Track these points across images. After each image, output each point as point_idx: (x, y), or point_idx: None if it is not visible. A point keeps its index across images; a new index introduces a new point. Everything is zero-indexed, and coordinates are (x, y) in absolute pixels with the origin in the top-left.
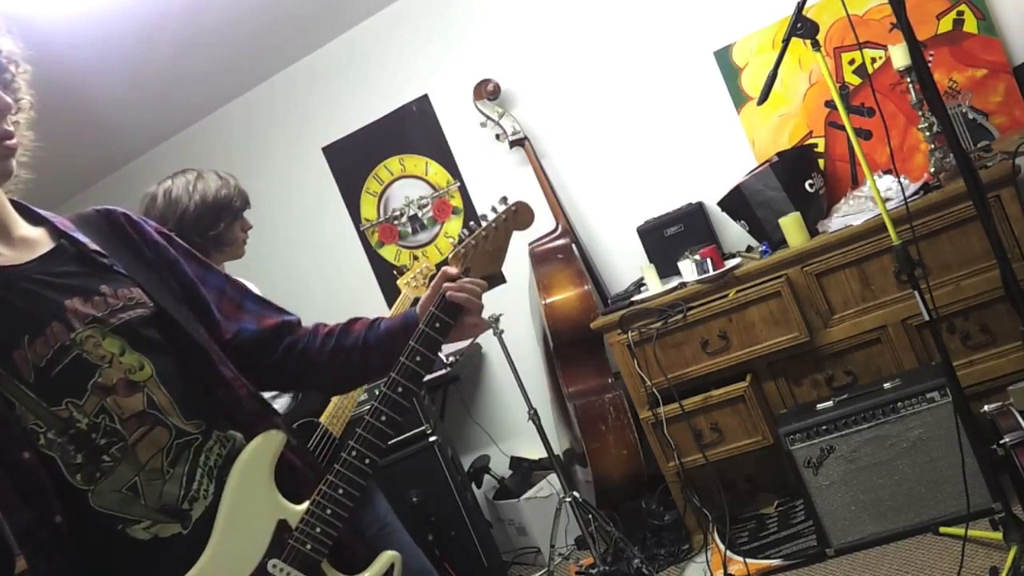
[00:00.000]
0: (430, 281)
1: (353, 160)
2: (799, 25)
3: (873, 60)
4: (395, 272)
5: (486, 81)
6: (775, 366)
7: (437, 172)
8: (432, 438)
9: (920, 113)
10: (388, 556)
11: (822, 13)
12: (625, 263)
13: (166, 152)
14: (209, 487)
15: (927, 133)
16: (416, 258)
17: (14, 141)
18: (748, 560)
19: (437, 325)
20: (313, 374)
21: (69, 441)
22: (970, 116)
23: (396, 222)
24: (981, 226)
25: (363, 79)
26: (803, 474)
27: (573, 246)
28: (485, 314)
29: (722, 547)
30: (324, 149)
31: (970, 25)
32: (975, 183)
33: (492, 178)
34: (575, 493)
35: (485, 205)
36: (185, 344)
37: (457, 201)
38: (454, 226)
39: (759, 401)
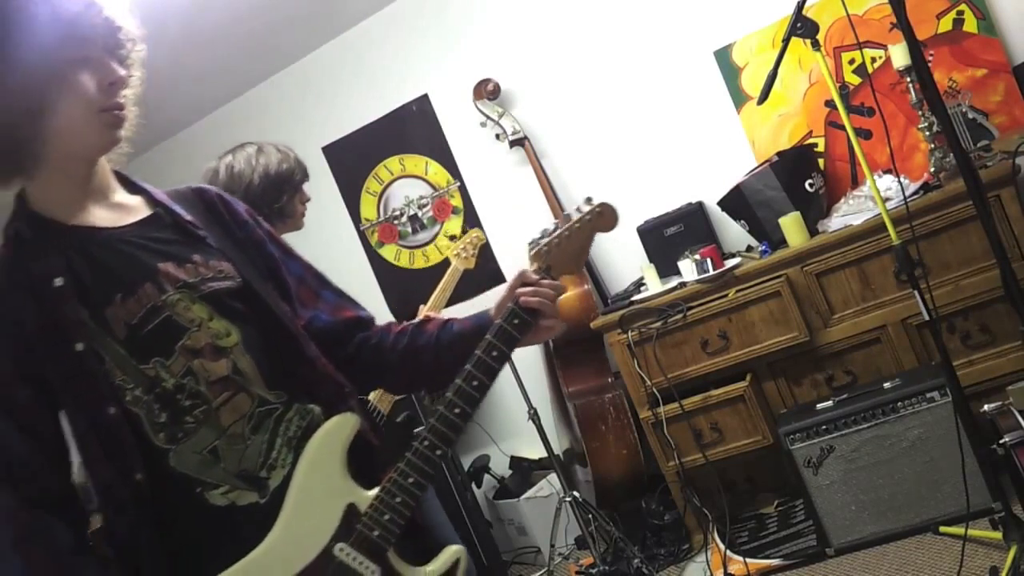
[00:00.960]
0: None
1: (353, 160)
2: (799, 25)
3: (873, 60)
4: (449, 239)
5: (486, 81)
6: (775, 366)
7: (437, 172)
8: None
9: (920, 113)
10: (454, 550)
11: (822, 13)
12: (625, 263)
13: (166, 151)
14: (288, 457)
15: (927, 133)
16: (453, 237)
17: (125, 112)
18: (748, 560)
19: (516, 322)
20: (384, 372)
21: (155, 400)
22: (970, 116)
23: (396, 222)
24: (981, 226)
25: (363, 79)
26: (803, 474)
27: None
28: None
29: (722, 547)
30: (324, 149)
31: (970, 25)
32: (975, 183)
33: (492, 178)
34: (575, 493)
35: (485, 205)
36: (269, 319)
37: (457, 201)
38: (454, 225)
39: (759, 401)
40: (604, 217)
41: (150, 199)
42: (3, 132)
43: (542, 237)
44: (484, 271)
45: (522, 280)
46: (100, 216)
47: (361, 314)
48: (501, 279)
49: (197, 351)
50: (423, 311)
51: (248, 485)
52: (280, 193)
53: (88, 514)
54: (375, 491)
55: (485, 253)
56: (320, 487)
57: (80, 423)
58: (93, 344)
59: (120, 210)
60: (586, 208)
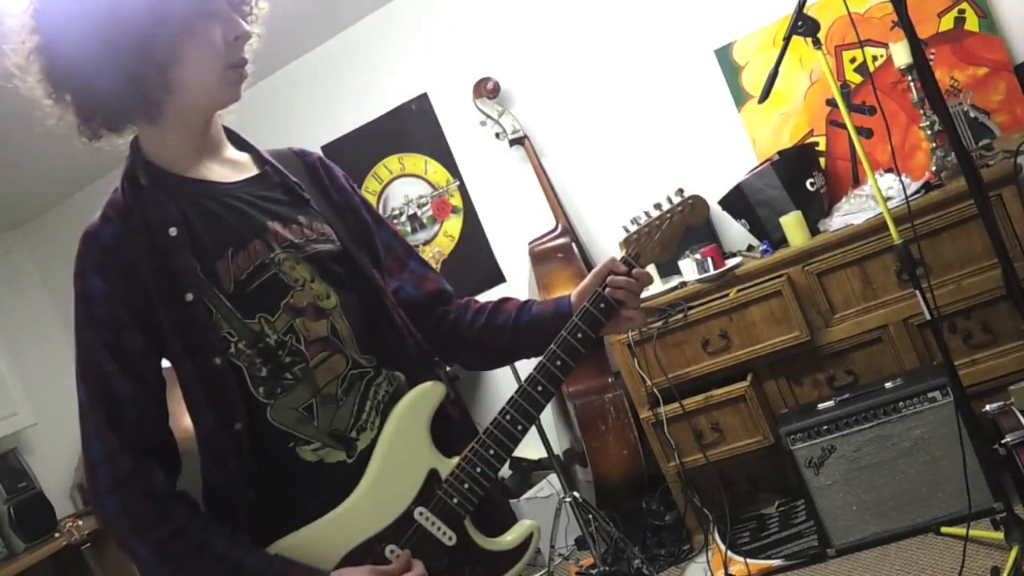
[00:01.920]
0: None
1: (352, 158)
2: (800, 23)
3: (874, 58)
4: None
5: (485, 80)
6: (776, 366)
7: (436, 171)
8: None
9: (921, 111)
10: (528, 524)
11: (823, 11)
12: None
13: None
14: (376, 419)
15: (928, 132)
16: None
17: (248, 69)
18: (749, 560)
19: (602, 306)
20: (461, 348)
21: (258, 354)
22: (971, 114)
23: (395, 221)
24: (983, 225)
25: (362, 78)
26: (804, 474)
27: (573, 245)
28: None
29: (723, 547)
30: (323, 147)
31: (971, 23)
32: (976, 182)
33: (492, 177)
34: (575, 493)
35: (485, 204)
36: (364, 284)
37: (456, 200)
38: (454, 225)
39: (760, 401)
40: (696, 208)
41: (258, 157)
42: (131, 79)
43: (635, 224)
44: (484, 271)
45: (610, 268)
46: (213, 170)
47: (444, 287)
48: (501, 279)
49: (300, 310)
50: None
51: (338, 444)
52: None
53: (180, 466)
54: (456, 459)
55: (485, 252)
56: (405, 451)
57: (187, 370)
58: (202, 295)
59: (231, 166)
60: (677, 200)
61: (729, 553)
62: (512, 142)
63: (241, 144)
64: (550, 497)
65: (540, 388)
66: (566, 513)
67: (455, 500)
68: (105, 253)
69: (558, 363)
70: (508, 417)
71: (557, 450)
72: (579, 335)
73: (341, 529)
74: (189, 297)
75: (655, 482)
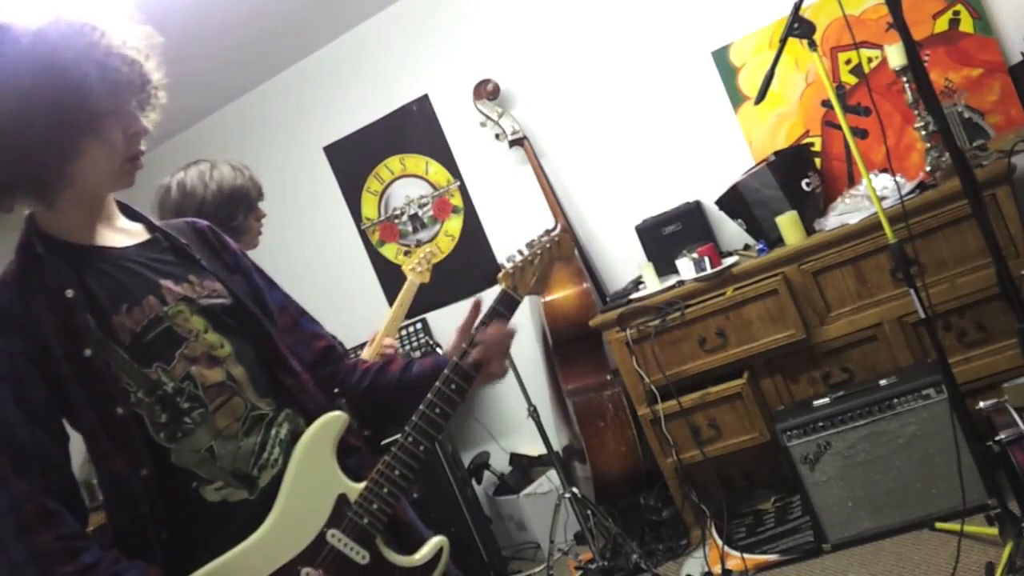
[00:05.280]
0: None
1: (354, 159)
2: (796, 25)
3: (869, 60)
4: (403, 255)
5: (486, 81)
6: (772, 363)
7: (437, 171)
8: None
9: (916, 112)
10: (437, 540)
11: (819, 13)
12: (623, 261)
13: (168, 153)
14: (279, 457)
15: (923, 132)
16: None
17: (142, 160)
18: (745, 555)
19: (453, 386)
20: (349, 406)
21: (156, 401)
22: (966, 115)
23: (397, 221)
24: (977, 224)
25: (364, 79)
26: (800, 470)
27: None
28: (484, 308)
29: (720, 542)
30: (325, 149)
31: (966, 25)
32: (971, 182)
33: (492, 177)
34: (574, 489)
35: (485, 204)
36: (259, 335)
37: (457, 200)
38: (454, 225)
39: (756, 398)
40: (562, 245)
41: (149, 225)
42: (31, 168)
43: (508, 262)
44: (484, 270)
45: (471, 323)
46: (107, 237)
47: (333, 344)
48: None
49: (195, 359)
50: (379, 334)
51: (239, 483)
52: (235, 210)
53: (88, 513)
54: (364, 483)
55: (485, 252)
56: (313, 478)
57: (90, 421)
58: (100, 350)
59: (123, 233)
60: (544, 238)
61: (726, 548)
62: (512, 143)
63: (131, 214)
64: (549, 493)
65: (438, 410)
66: (565, 509)
67: (365, 520)
68: (3, 313)
69: (452, 387)
70: (410, 439)
71: (556, 447)
72: (455, 382)
73: (257, 556)
74: (88, 352)
75: (653, 478)
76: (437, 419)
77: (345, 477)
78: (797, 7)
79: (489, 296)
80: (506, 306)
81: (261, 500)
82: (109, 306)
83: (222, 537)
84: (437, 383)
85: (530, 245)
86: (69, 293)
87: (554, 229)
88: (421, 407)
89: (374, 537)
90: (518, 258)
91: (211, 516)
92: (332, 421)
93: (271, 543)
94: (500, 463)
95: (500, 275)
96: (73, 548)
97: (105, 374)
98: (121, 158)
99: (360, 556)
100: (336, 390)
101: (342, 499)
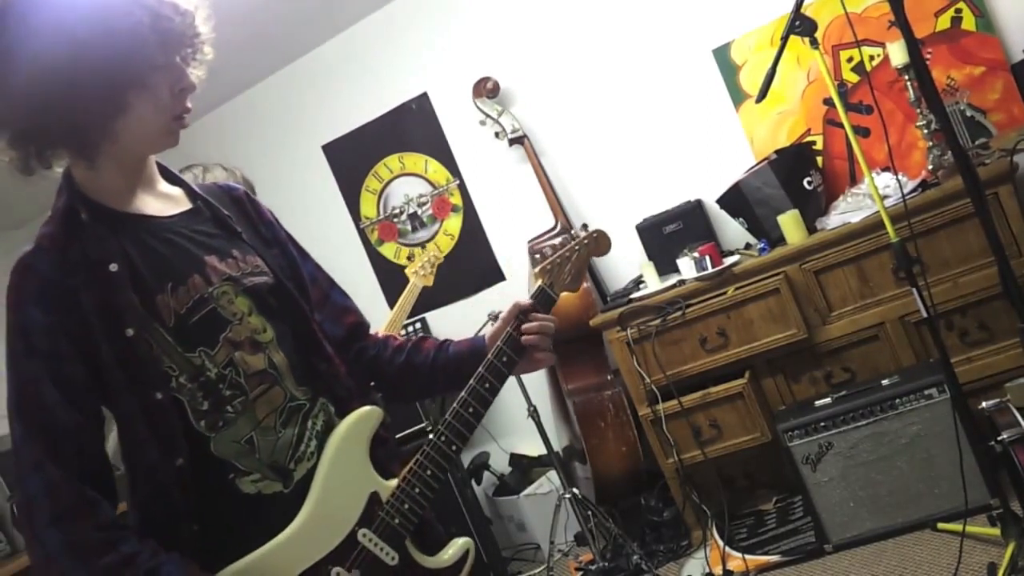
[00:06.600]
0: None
1: (353, 158)
2: (797, 23)
3: (871, 58)
4: (408, 258)
5: (485, 79)
6: (773, 363)
7: (437, 170)
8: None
9: (918, 110)
10: (464, 542)
11: (820, 11)
12: (624, 260)
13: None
14: (314, 449)
15: (925, 130)
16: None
17: (189, 118)
18: (747, 556)
19: (514, 346)
20: (379, 383)
21: (199, 388)
22: (968, 113)
23: (396, 220)
24: (979, 223)
25: (363, 77)
26: (801, 470)
27: None
28: (485, 310)
29: (721, 543)
30: (324, 147)
31: (968, 23)
32: (973, 180)
33: (491, 176)
34: (574, 490)
35: (484, 202)
36: (297, 317)
37: (456, 199)
38: (454, 224)
39: (757, 398)
40: (600, 242)
41: (190, 192)
42: (77, 123)
43: (544, 256)
44: (484, 269)
45: (518, 310)
46: (149, 204)
47: (363, 320)
48: (500, 277)
49: (238, 344)
50: (381, 332)
51: (276, 475)
52: None
53: (117, 501)
54: (395, 481)
55: (485, 251)
56: (347, 475)
57: (128, 405)
58: (143, 330)
59: (165, 199)
60: (583, 234)
61: (727, 549)
62: (511, 141)
63: (171, 178)
64: (550, 493)
65: (471, 410)
66: (566, 509)
67: (396, 521)
68: (44, 284)
69: (486, 385)
70: (443, 439)
71: (557, 447)
72: (504, 359)
73: (288, 554)
74: (130, 332)
75: (654, 479)
76: (470, 419)
77: (377, 475)
78: (799, 4)
79: (489, 296)
80: (542, 303)
81: (295, 493)
82: (153, 284)
83: (254, 530)
84: (472, 382)
85: (565, 242)
86: (113, 267)
87: (592, 230)
88: (455, 406)
89: (404, 538)
90: (551, 255)
91: (245, 508)
92: (367, 416)
93: (302, 541)
94: (500, 463)
95: (537, 270)
96: (111, 538)
97: (147, 356)
98: (168, 115)
99: (390, 557)
100: (372, 382)
101: (374, 498)
